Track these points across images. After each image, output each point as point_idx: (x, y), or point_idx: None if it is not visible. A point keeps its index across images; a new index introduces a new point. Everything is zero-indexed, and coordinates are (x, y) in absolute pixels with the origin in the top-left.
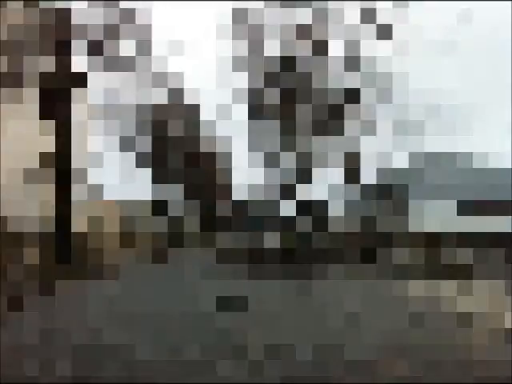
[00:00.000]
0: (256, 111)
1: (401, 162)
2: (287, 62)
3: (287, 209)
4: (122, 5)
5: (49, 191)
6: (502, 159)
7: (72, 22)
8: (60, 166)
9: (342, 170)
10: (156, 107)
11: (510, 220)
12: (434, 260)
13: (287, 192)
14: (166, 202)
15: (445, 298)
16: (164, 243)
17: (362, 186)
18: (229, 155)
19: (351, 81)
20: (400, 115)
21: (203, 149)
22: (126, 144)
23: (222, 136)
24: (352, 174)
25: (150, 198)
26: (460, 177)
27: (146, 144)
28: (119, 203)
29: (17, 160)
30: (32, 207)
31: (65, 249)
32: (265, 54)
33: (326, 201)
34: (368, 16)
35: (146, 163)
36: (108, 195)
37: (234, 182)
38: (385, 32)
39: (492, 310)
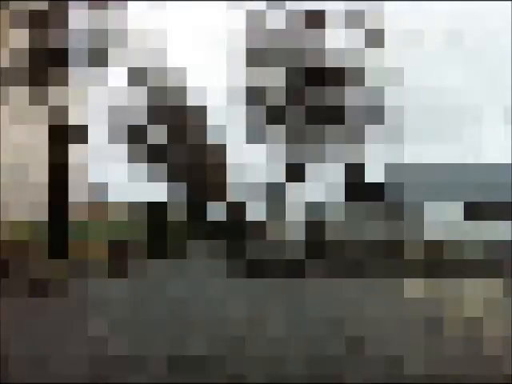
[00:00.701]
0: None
1: (394, 156)
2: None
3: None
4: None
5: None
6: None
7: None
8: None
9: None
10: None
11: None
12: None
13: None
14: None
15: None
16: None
17: (347, 184)
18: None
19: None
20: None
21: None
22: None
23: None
24: (355, 170)
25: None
26: (467, 173)
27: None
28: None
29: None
30: (20, 210)
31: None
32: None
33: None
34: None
35: (161, 158)
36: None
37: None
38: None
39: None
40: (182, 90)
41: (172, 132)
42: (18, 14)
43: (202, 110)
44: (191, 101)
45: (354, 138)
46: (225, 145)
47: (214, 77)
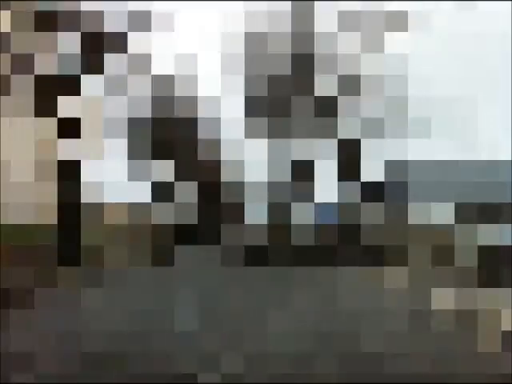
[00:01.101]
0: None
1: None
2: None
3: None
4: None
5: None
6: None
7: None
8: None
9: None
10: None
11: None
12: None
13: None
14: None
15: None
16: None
17: (340, 184)
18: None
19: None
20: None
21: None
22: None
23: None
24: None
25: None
26: (459, 172)
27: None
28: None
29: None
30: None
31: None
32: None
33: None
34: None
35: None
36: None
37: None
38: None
39: None
40: (169, 79)
41: (158, 126)
42: (20, 16)
43: (191, 102)
44: (179, 91)
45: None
46: (219, 140)
47: (207, 63)
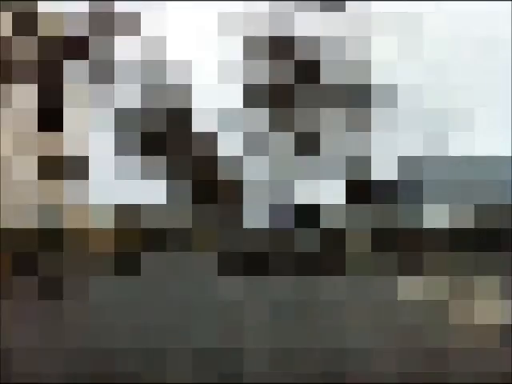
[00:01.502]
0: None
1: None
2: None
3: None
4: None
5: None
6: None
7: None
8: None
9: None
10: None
11: None
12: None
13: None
14: None
15: None
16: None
17: (348, 182)
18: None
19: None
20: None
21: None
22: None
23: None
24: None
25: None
26: (455, 169)
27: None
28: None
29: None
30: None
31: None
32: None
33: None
34: None
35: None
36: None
37: None
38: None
39: None
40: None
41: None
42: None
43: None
44: (172, 79)
45: (358, 125)
46: (216, 133)
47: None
